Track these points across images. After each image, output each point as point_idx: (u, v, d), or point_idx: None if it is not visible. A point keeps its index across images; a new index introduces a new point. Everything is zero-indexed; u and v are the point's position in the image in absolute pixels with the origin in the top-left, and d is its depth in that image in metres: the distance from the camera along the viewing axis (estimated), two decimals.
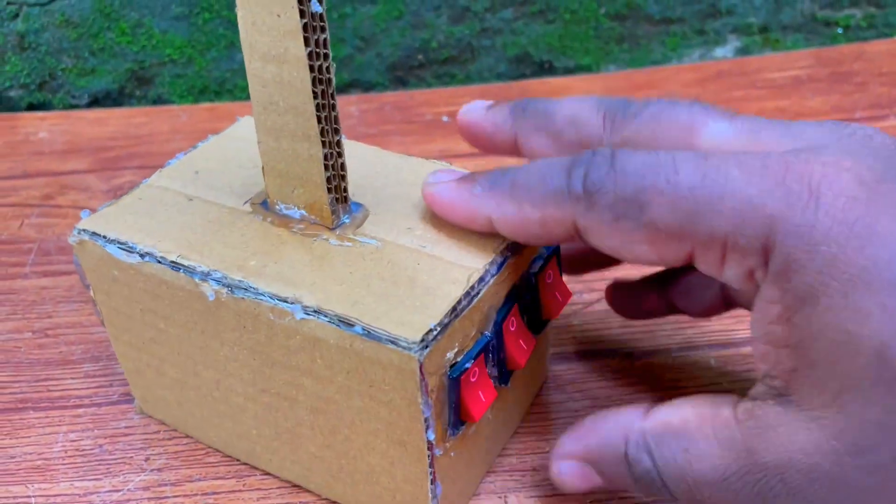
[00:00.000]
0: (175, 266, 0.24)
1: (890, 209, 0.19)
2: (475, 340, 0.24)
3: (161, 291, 0.25)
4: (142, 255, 0.25)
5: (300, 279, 0.23)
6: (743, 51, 0.57)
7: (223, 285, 0.23)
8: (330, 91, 0.23)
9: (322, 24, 0.22)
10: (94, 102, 0.55)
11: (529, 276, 0.26)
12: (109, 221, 0.26)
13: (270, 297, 0.23)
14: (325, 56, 0.22)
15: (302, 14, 0.21)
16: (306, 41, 0.22)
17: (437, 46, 0.56)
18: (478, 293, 0.23)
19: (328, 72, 0.23)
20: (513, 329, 0.25)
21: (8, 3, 0.52)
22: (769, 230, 0.20)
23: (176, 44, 0.54)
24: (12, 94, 0.55)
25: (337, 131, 0.24)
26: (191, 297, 0.24)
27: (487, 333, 0.24)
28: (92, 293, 0.27)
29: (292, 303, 0.22)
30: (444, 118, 0.50)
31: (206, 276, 0.24)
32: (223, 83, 0.55)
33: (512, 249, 0.25)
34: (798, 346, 0.20)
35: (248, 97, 0.55)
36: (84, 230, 0.26)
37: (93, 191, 0.45)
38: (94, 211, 0.27)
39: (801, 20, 0.57)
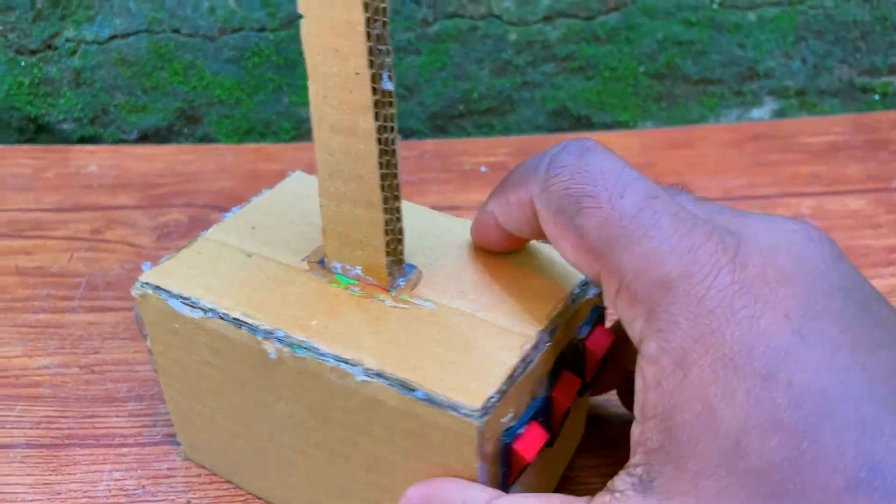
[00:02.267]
0: (238, 323, 0.25)
1: (777, 311, 0.19)
2: (528, 405, 0.24)
3: (221, 346, 0.26)
4: (205, 311, 0.25)
5: (359, 341, 0.24)
6: (779, 113, 0.58)
7: (286, 344, 0.24)
8: (394, 161, 0.24)
9: (391, 100, 0.23)
10: (143, 138, 0.57)
11: (577, 343, 0.26)
12: (171, 275, 0.27)
13: (333, 359, 0.23)
14: (392, 129, 0.23)
15: (374, 91, 0.22)
16: (376, 116, 0.23)
17: (478, 97, 0.57)
18: (532, 360, 0.24)
19: (393, 143, 0.24)
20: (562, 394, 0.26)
21: (66, 41, 0.54)
22: (663, 289, 0.20)
23: (225, 85, 0.55)
24: (65, 126, 0.56)
25: (397, 198, 0.25)
26: (251, 354, 0.25)
27: (539, 398, 0.25)
28: (149, 343, 0.28)
29: (354, 365, 0.23)
30: (483, 168, 0.51)
31: (268, 334, 0.24)
32: (269, 125, 0.57)
33: (562, 315, 0.25)
34: (664, 416, 0.20)
35: (291, 139, 0.57)
36: (147, 283, 0.27)
37: (139, 227, 0.46)
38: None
39: (839, 86, 0.57)
